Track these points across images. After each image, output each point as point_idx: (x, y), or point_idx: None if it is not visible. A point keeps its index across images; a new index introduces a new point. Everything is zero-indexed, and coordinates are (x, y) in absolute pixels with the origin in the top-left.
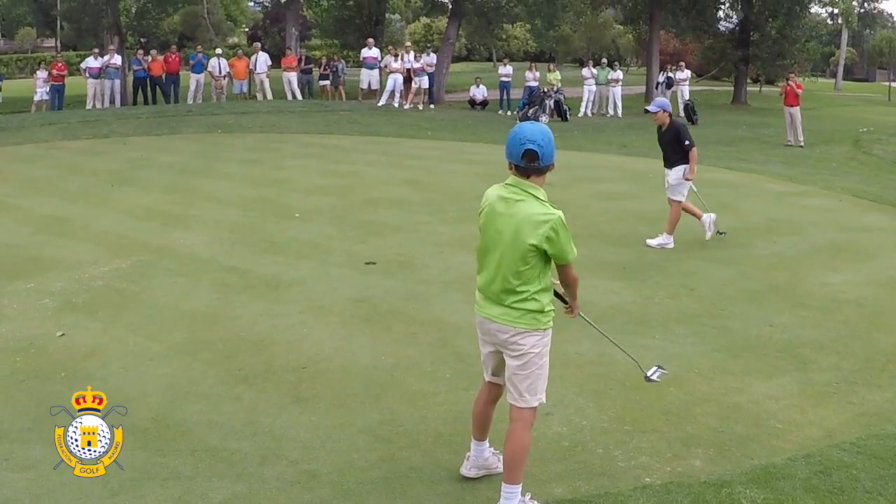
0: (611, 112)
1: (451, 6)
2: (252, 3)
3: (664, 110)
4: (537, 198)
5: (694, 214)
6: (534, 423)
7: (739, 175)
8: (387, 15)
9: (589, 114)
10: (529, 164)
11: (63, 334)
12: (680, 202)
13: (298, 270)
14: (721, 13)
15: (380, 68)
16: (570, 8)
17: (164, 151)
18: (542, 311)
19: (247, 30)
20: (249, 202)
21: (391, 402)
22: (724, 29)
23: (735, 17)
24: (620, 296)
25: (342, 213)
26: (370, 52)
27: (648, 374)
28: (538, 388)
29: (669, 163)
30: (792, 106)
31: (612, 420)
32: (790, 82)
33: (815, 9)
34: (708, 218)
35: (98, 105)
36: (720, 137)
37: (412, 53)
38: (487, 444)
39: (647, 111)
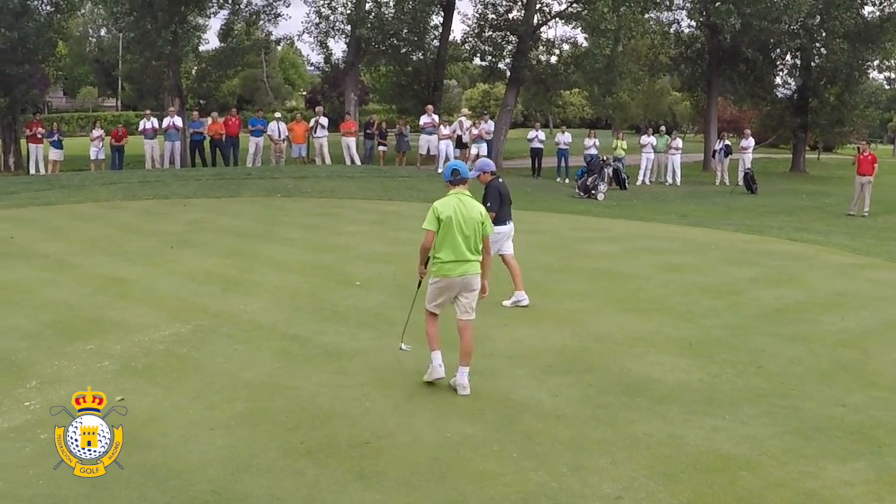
0: (669, 180)
1: (509, 73)
2: (310, 68)
3: (484, 172)
4: (471, 196)
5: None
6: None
7: (802, 246)
8: (444, 81)
9: (647, 182)
10: (457, 177)
11: (122, 399)
12: (508, 254)
13: (360, 340)
14: (779, 80)
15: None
16: (627, 75)
17: (223, 214)
18: None
19: (305, 94)
20: (309, 268)
21: (457, 481)
22: (782, 95)
23: (793, 83)
24: (687, 373)
25: (403, 281)
26: (429, 119)
27: (402, 346)
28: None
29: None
30: (864, 175)
31: None
32: (864, 151)
33: (873, 74)
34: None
35: (157, 166)
36: (781, 207)
37: (466, 121)
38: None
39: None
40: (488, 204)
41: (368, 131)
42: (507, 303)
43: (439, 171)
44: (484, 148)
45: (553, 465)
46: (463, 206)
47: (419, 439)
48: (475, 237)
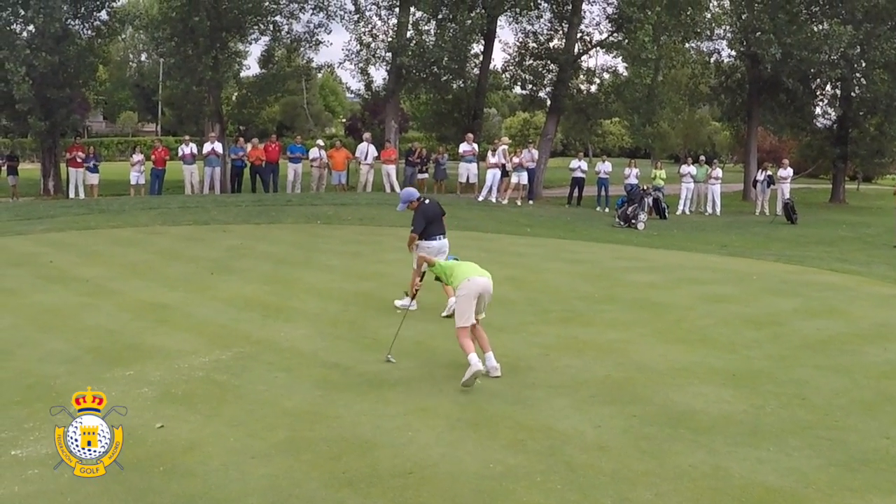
0: (709, 210)
1: (549, 101)
2: (350, 95)
3: (410, 202)
4: None
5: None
6: None
7: (843, 277)
8: (484, 109)
9: (687, 212)
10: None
11: (162, 426)
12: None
13: (401, 369)
14: (819, 110)
15: (478, 163)
16: (668, 104)
17: (263, 240)
18: None
19: (344, 121)
20: (350, 296)
21: None
22: (821, 126)
23: (833, 113)
24: (731, 405)
25: (444, 310)
26: (469, 147)
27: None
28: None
29: (443, 228)
30: None
31: None
32: None
33: None
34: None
35: (196, 191)
36: (821, 237)
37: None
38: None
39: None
40: (412, 227)
41: (409, 159)
42: (398, 303)
43: (480, 199)
44: (525, 176)
45: (597, 497)
46: None
47: (462, 470)
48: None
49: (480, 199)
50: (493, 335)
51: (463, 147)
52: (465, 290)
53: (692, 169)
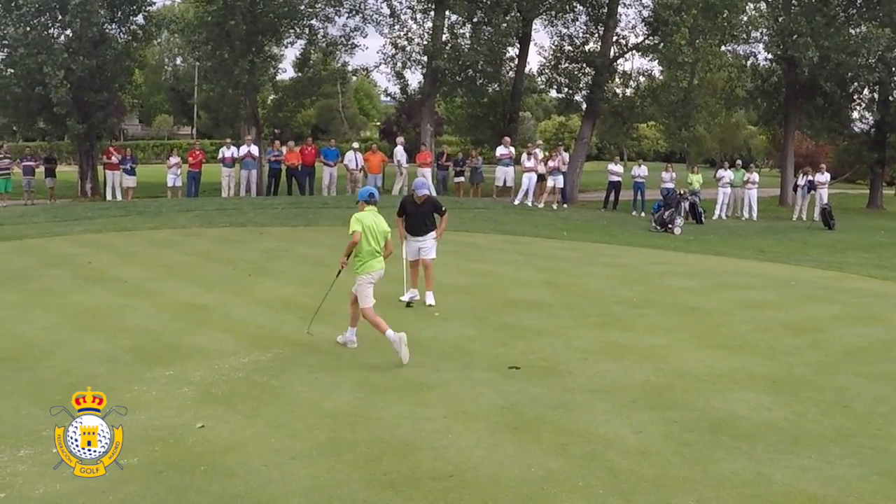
0: (745, 215)
1: (585, 105)
2: (385, 99)
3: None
4: (380, 214)
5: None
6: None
7: (882, 283)
8: (519, 113)
9: (724, 216)
10: (372, 199)
11: (203, 426)
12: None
13: (440, 372)
14: (856, 114)
15: (514, 166)
16: (704, 108)
17: (300, 243)
18: None
19: (379, 124)
20: (387, 298)
21: None
22: (859, 130)
23: (870, 117)
24: (772, 411)
25: (482, 313)
26: (505, 150)
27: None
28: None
29: (424, 231)
30: None
31: None
32: None
33: None
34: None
35: (233, 194)
36: (859, 243)
37: (539, 151)
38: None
39: (416, 195)
40: (443, 208)
41: (439, 162)
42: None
43: (516, 202)
44: (560, 180)
45: (639, 503)
46: (376, 219)
47: (503, 473)
48: (382, 240)
49: (517, 202)
50: (531, 339)
51: (500, 150)
52: (366, 279)
53: (729, 173)
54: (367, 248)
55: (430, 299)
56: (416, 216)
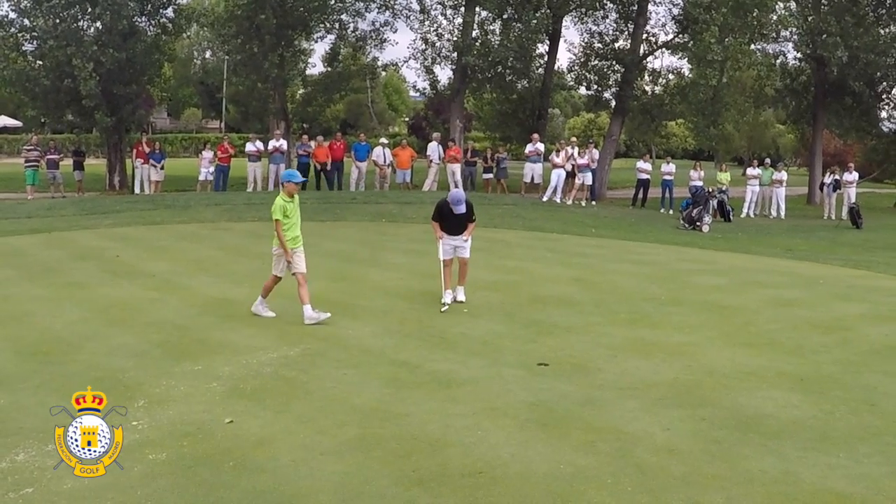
0: (773, 213)
1: (614, 102)
2: (414, 94)
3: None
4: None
5: None
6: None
7: None
8: (548, 109)
9: (751, 215)
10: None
11: (231, 421)
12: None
13: (470, 368)
14: (885, 113)
15: (542, 163)
16: (733, 106)
17: (328, 238)
18: None
19: (408, 119)
20: (417, 294)
21: None
22: (887, 130)
23: None
24: (800, 409)
25: (511, 310)
26: (534, 147)
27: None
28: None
29: (460, 231)
30: None
31: None
32: None
33: None
34: None
35: (260, 188)
36: (887, 242)
37: (576, 149)
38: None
39: (454, 210)
40: (474, 216)
41: (466, 159)
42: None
43: (545, 199)
44: (588, 177)
45: (669, 500)
46: (295, 203)
47: (532, 470)
48: (299, 223)
49: (545, 199)
50: (560, 335)
51: (529, 147)
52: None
53: (758, 171)
54: (292, 229)
55: (461, 295)
56: (452, 219)
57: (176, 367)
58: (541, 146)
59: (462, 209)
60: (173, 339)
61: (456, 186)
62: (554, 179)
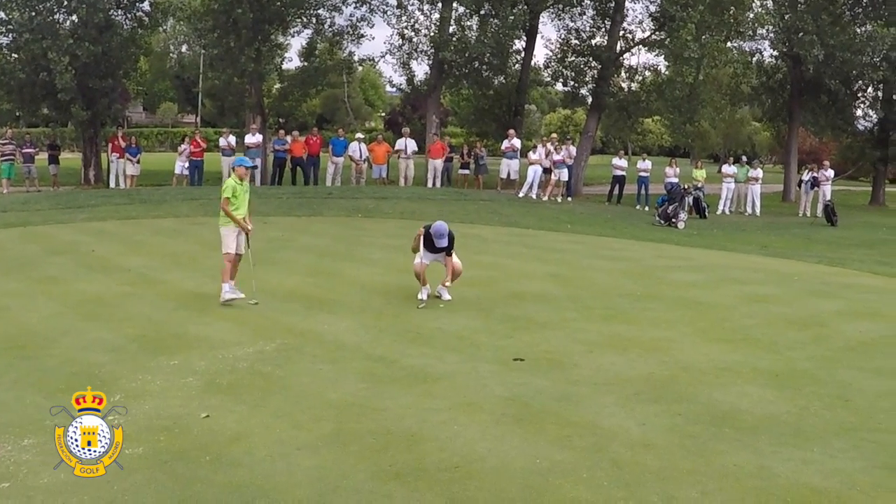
0: (749, 211)
1: (591, 99)
2: (391, 89)
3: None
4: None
5: None
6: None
7: (885, 280)
8: (525, 106)
9: (727, 212)
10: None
11: (208, 416)
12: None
13: (446, 364)
14: (860, 112)
15: (519, 159)
16: (709, 103)
17: (304, 233)
18: None
19: (384, 115)
20: (393, 289)
21: None
22: (862, 128)
23: (874, 115)
24: (775, 405)
25: (487, 305)
26: (510, 143)
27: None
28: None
29: (441, 251)
30: None
31: None
32: None
33: None
34: None
35: None
36: (862, 240)
37: (553, 145)
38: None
39: (436, 243)
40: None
41: (447, 154)
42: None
43: (521, 195)
44: (565, 173)
45: (643, 495)
46: (244, 187)
47: (508, 464)
48: (246, 207)
49: (521, 195)
50: (536, 331)
51: (505, 143)
52: (230, 231)
53: (733, 169)
54: (239, 207)
55: (445, 294)
56: (432, 248)
57: (152, 362)
58: (517, 142)
59: (444, 243)
60: (149, 333)
61: (433, 183)
62: (530, 175)
